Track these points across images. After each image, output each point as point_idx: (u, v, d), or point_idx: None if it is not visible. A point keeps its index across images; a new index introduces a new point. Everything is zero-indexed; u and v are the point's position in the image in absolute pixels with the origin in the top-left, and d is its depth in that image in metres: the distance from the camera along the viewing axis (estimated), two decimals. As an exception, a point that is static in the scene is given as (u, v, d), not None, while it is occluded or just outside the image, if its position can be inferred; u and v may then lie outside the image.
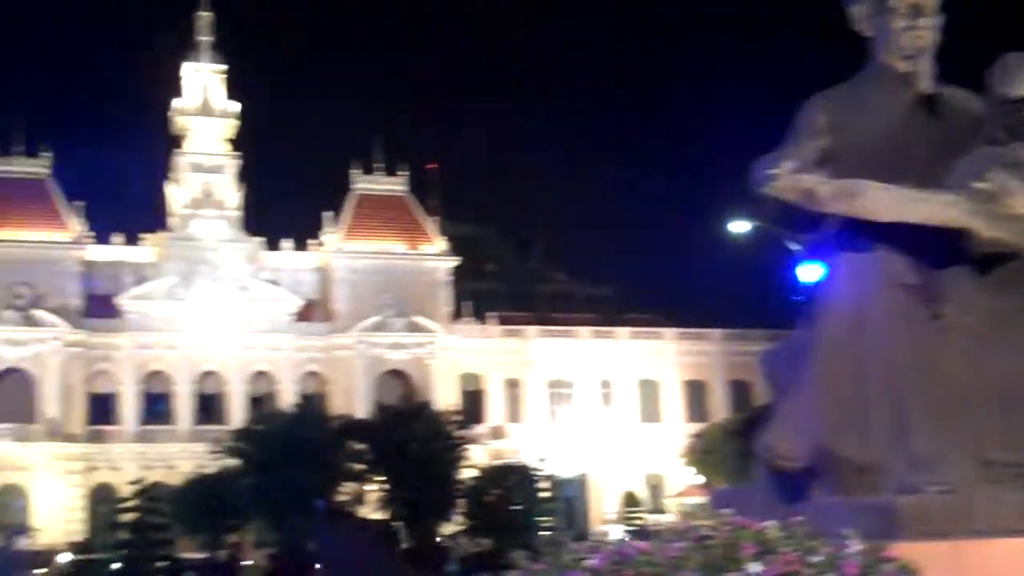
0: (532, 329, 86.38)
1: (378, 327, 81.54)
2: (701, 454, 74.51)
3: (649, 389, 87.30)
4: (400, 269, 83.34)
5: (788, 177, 7.55)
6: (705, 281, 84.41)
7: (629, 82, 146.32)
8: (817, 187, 7.49)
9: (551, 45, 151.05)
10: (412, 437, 45.19)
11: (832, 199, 7.47)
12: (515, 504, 45.79)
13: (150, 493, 42.32)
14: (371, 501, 46.39)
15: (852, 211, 7.47)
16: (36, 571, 49.15)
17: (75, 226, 78.84)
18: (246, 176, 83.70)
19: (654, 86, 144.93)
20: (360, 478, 45.68)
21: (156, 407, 79.75)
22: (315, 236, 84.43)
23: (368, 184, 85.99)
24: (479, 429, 68.01)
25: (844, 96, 7.97)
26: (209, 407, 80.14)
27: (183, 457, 74.11)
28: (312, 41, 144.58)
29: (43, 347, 76.00)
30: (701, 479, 75.01)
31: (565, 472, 74.58)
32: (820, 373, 7.57)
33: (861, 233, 7.57)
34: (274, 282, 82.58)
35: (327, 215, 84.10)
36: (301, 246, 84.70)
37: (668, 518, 75.14)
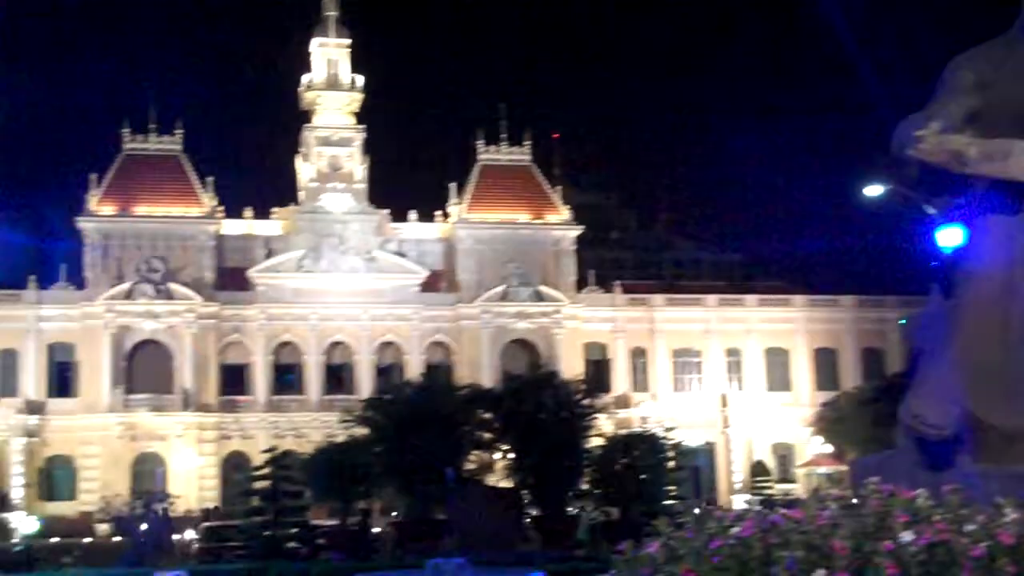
0: (658, 297, 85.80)
1: (503, 297, 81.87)
2: (831, 423, 73.59)
3: (777, 357, 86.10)
4: (525, 239, 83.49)
5: (934, 138, 7.33)
6: (837, 247, 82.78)
7: (757, 43, 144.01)
8: (966, 148, 7.27)
9: (672, 4, 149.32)
10: (540, 406, 45.22)
11: (981, 160, 7.26)
12: (642, 473, 45.47)
13: (282, 461, 42.92)
14: (499, 469, 46.66)
15: (1002, 172, 7.25)
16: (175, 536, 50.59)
17: (207, 201, 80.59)
18: (371, 148, 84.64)
19: (783, 48, 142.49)
20: (488, 447, 45.88)
21: (286, 377, 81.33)
22: (440, 207, 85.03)
23: (493, 154, 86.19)
24: (605, 398, 67.87)
25: (992, 54, 7.71)
26: (337, 377, 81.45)
27: (313, 426, 75.57)
28: (434, 11, 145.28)
29: (178, 319, 78.00)
30: (830, 448, 74.06)
31: (692, 441, 74.09)
32: (967, 339, 7.38)
33: (1010, 195, 7.36)
34: (400, 253, 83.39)
35: (452, 186, 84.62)
36: (426, 217, 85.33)
37: (796, 487, 74.46)
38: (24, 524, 65.97)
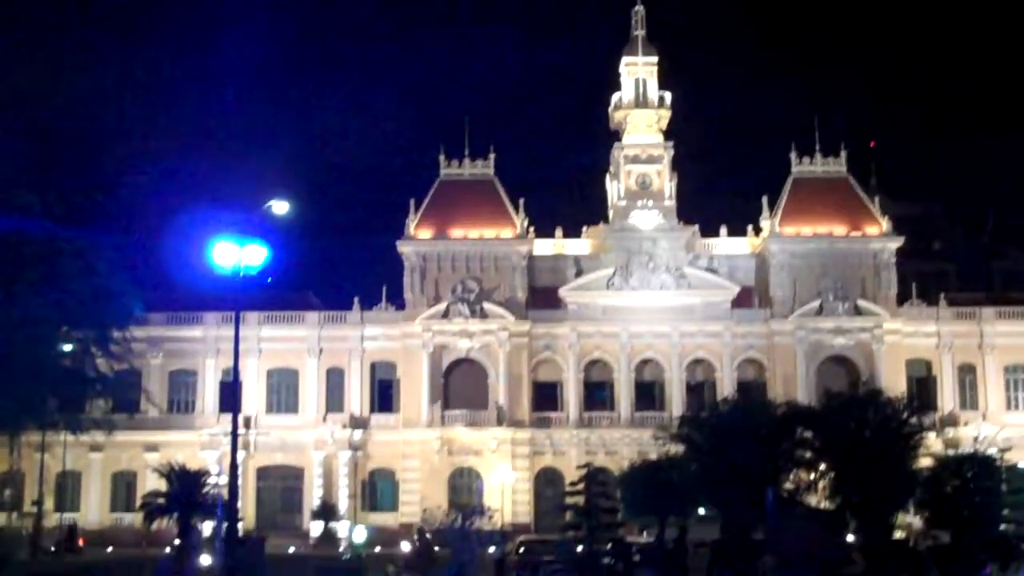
0: (987, 310, 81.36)
1: (819, 312, 79.53)
2: None
3: (1119, 371, 79.87)
4: (841, 252, 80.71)
5: None
6: None
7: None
8: None
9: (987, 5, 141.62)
10: (863, 425, 43.32)
11: None
12: (975, 497, 42.70)
13: (596, 477, 42.76)
14: (819, 490, 44.89)
15: None
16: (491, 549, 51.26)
17: (519, 222, 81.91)
18: (680, 164, 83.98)
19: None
20: (808, 466, 44.34)
21: (597, 395, 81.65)
22: (751, 221, 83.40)
23: (806, 166, 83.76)
24: (931, 417, 64.63)
25: None
26: (647, 394, 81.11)
27: (624, 443, 75.90)
28: (741, 25, 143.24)
29: (492, 338, 79.78)
30: None
31: (1027, 463, 69.55)
32: None
33: None
34: (711, 269, 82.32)
35: (763, 199, 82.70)
36: (737, 232, 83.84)
37: None
38: (354, 533, 68.60)
